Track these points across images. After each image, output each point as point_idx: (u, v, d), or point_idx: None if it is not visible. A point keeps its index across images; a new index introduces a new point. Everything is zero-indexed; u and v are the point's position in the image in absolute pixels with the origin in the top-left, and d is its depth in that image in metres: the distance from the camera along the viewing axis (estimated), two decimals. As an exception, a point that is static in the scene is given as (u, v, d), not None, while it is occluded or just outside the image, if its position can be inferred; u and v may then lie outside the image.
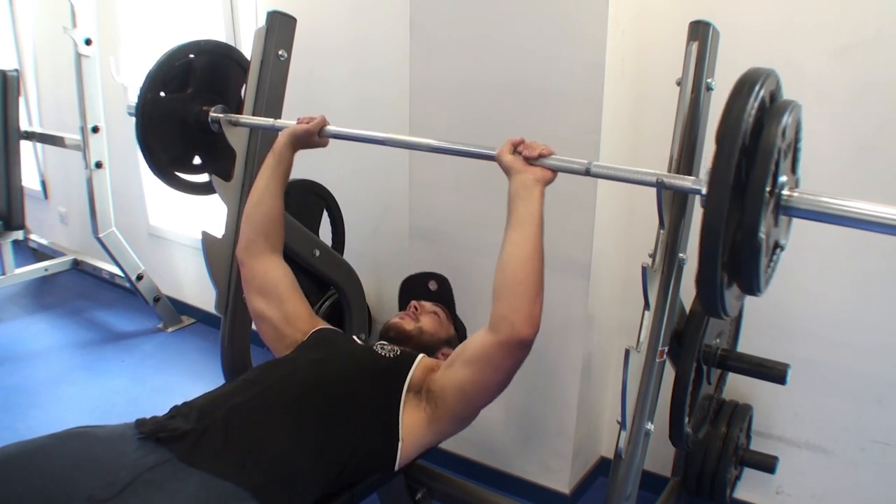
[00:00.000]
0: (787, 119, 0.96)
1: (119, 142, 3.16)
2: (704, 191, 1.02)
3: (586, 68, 1.68)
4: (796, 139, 1.07)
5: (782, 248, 1.11)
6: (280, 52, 1.82)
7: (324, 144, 1.64)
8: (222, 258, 1.88)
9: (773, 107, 0.99)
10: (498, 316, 1.27)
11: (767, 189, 0.92)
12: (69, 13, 2.82)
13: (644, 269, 1.35)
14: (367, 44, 2.40)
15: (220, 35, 2.80)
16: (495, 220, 1.94)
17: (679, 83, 1.39)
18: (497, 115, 1.86)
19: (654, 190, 1.38)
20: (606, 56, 1.65)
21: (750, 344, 1.70)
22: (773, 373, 1.57)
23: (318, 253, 2.03)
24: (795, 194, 1.00)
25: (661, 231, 1.36)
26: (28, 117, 4.08)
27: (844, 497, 1.87)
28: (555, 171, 1.30)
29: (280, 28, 1.82)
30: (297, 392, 1.30)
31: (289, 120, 1.70)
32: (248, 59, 1.92)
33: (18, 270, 3.64)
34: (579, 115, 1.73)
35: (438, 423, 1.35)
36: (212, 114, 1.86)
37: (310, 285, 2.12)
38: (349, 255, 2.21)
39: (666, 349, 1.35)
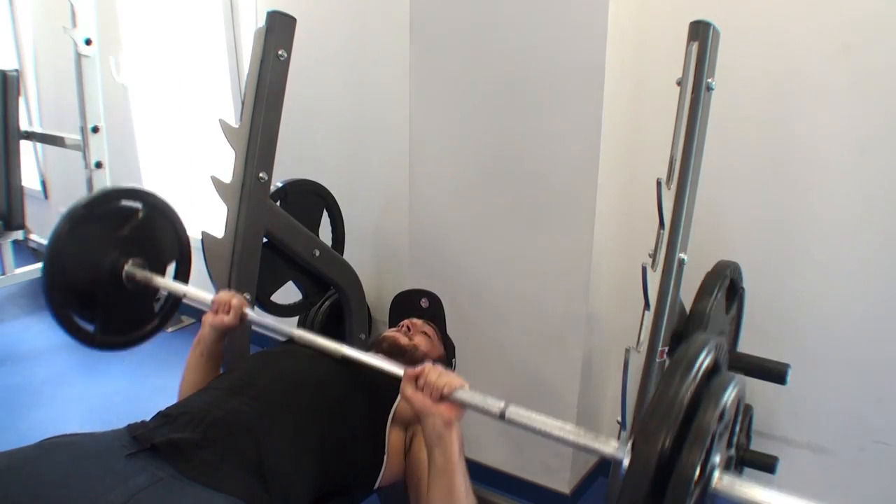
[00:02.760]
0: (725, 403, 0.88)
1: (119, 142, 3.16)
2: (625, 465, 0.93)
3: (586, 68, 1.68)
4: (736, 413, 0.98)
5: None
6: (280, 52, 1.82)
7: (244, 327, 1.57)
8: (222, 258, 1.87)
9: (711, 386, 0.90)
10: None
11: (695, 478, 0.82)
12: (69, 13, 2.82)
13: (644, 269, 1.35)
14: (367, 44, 2.40)
15: (220, 35, 2.80)
16: (495, 220, 1.95)
17: (679, 83, 1.39)
18: (497, 115, 1.86)
19: (654, 190, 1.38)
20: (606, 56, 1.65)
21: (750, 344, 1.70)
22: (773, 373, 1.57)
23: (318, 253, 2.03)
24: (725, 481, 0.89)
25: (661, 231, 1.36)
26: (28, 117, 4.08)
27: (844, 497, 1.87)
28: (464, 407, 1.19)
29: (280, 28, 1.81)
30: (294, 393, 1.30)
31: (207, 295, 1.62)
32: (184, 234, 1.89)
33: (18, 270, 3.63)
34: (579, 115, 1.73)
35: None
36: (127, 267, 1.75)
37: (310, 285, 2.12)
38: (349, 255, 2.21)
39: (666, 349, 1.35)
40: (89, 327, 1.77)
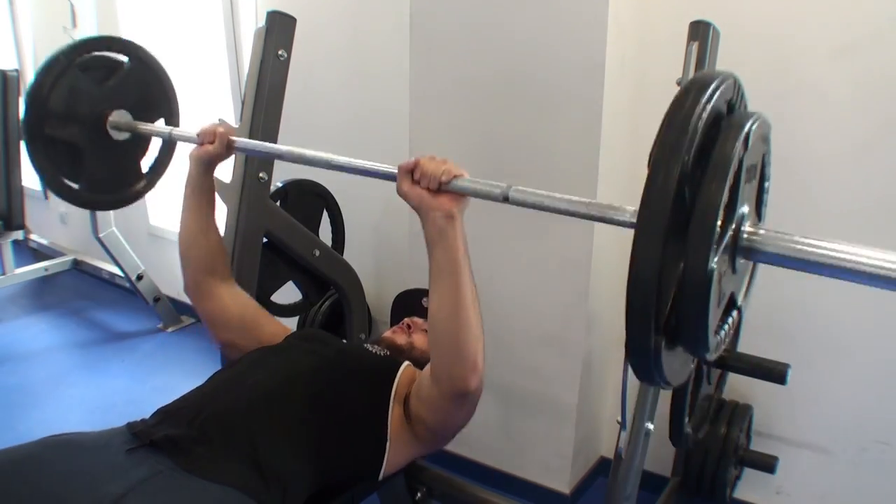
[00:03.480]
0: (750, 128, 0.72)
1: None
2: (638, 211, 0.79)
3: (586, 68, 1.68)
4: (763, 165, 0.83)
5: (740, 311, 0.88)
6: (280, 52, 1.82)
7: (232, 154, 1.50)
8: (222, 258, 1.87)
9: (732, 117, 0.75)
10: (436, 372, 1.20)
11: (719, 221, 0.69)
12: (69, 13, 2.82)
13: (644, 269, 1.35)
14: (367, 44, 2.40)
15: (220, 35, 2.80)
16: (495, 219, 1.94)
17: (679, 83, 1.39)
18: (497, 115, 1.86)
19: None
20: (606, 56, 1.65)
21: (750, 344, 1.69)
22: (773, 373, 1.57)
23: (318, 253, 2.03)
24: (761, 232, 0.78)
25: (661, 231, 1.36)
26: (28, 117, 4.08)
27: (844, 497, 1.87)
28: (466, 195, 1.10)
29: (280, 28, 1.81)
30: (290, 385, 1.30)
31: (192, 130, 1.54)
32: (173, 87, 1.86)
33: (18, 270, 3.63)
34: (579, 114, 1.73)
35: (419, 441, 1.33)
36: (112, 117, 1.69)
37: (310, 285, 2.12)
38: (349, 255, 2.21)
39: (666, 349, 1.35)
40: (75, 186, 1.73)
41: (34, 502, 1.00)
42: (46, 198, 4.23)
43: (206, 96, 3.15)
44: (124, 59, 1.77)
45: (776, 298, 1.81)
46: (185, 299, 1.75)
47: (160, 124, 1.84)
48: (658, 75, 1.73)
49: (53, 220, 4.23)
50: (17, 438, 1.13)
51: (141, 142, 1.78)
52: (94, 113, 1.68)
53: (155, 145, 1.94)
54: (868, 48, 1.59)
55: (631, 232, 0.75)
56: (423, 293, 1.79)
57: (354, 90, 2.49)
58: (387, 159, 2.59)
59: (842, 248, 0.73)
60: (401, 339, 1.62)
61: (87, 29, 2.85)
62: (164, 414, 1.25)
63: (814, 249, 0.75)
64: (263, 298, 2.01)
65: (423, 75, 1.97)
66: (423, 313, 1.74)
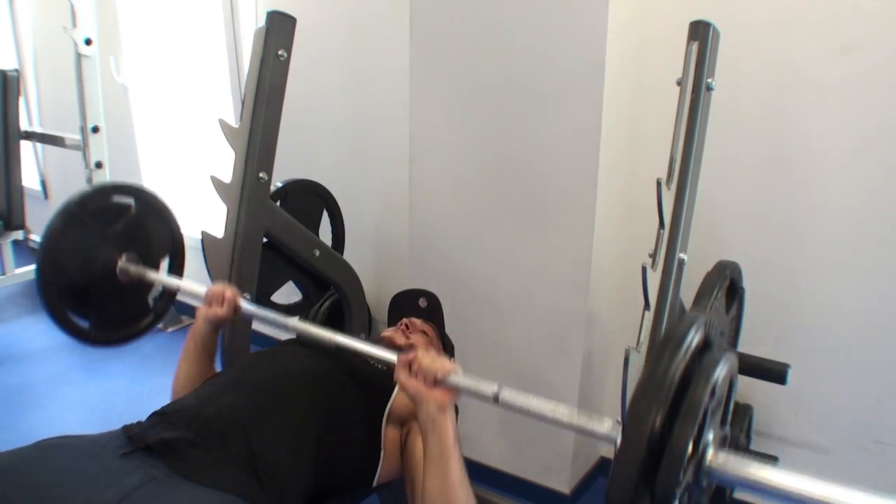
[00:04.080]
0: (717, 378, 0.85)
1: (119, 142, 3.16)
2: (617, 444, 0.91)
3: (586, 68, 1.68)
4: (729, 391, 0.96)
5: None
6: (280, 52, 1.82)
7: (239, 316, 1.55)
8: (222, 258, 1.87)
9: (702, 363, 0.88)
10: None
11: (688, 454, 0.80)
12: (69, 13, 2.82)
13: (644, 269, 1.35)
14: (367, 43, 2.40)
15: (220, 35, 2.80)
16: (494, 219, 1.95)
17: (679, 83, 1.39)
18: (497, 115, 1.86)
19: (654, 189, 1.38)
20: (606, 55, 1.65)
21: (750, 344, 1.70)
22: (773, 373, 1.57)
23: (318, 253, 2.03)
24: (720, 459, 0.86)
25: (661, 231, 1.36)
26: (28, 117, 4.08)
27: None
28: (458, 391, 1.18)
29: (280, 28, 1.81)
30: (286, 389, 1.30)
31: (201, 288, 1.59)
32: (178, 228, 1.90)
33: (18, 270, 3.63)
34: (579, 115, 1.73)
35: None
36: (121, 262, 1.74)
37: (310, 285, 2.12)
38: (349, 255, 2.21)
39: (666, 349, 1.35)
40: (84, 324, 1.77)
41: None
42: (46, 198, 4.24)
43: (206, 96, 3.16)
44: (130, 202, 1.81)
45: (776, 298, 1.81)
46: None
47: (165, 272, 1.87)
48: (658, 75, 1.73)
49: (53, 220, 4.23)
50: (18, 438, 1.13)
51: (148, 281, 1.81)
52: (105, 259, 1.74)
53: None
54: (868, 48, 1.59)
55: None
56: (420, 293, 1.79)
57: (354, 90, 2.49)
58: (386, 159, 2.61)
59: (790, 480, 0.83)
60: (400, 339, 1.62)
61: (88, 29, 2.85)
62: (159, 417, 1.24)
63: (765, 478, 0.85)
64: (263, 298, 2.01)
65: (423, 75, 1.97)
66: (419, 313, 1.74)
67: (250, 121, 1.84)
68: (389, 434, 1.34)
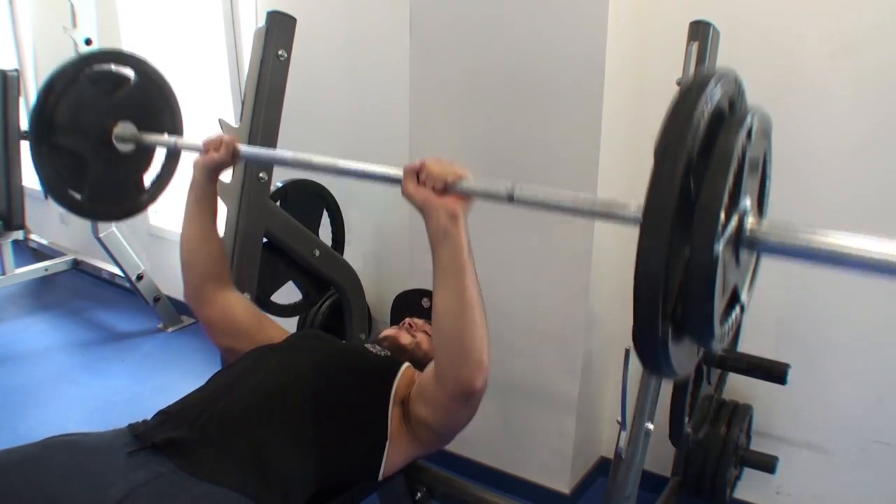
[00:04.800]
0: (751, 122, 0.75)
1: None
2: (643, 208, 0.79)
3: (586, 67, 1.68)
4: (764, 160, 0.85)
5: (743, 307, 0.89)
6: (280, 52, 1.82)
7: (238, 162, 1.50)
8: (222, 258, 1.88)
9: (734, 113, 0.79)
10: (442, 372, 1.20)
11: (723, 211, 0.71)
12: (69, 13, 2.82)
13: (644, 269, 1.35)
14: (367, 43, 2.40)
15: (220, 35, 2.80)
16: (495, 218, 1.94)
17: (679, 83, 1.39)
18: (497, 115, 1.86)
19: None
20: (606, 55, 1.65)
21: (750, 344, 1.70)
22: (773, 373, 1.57)
23: (318, 253, 2.03)
24: (764, 223, 0.78)
25: (661, 231, 1.36)
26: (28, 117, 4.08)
27: (844, 497, 1.87)
28: (471, 196, 1.11)
29: (280, 28, 1.81)
30: (291, 385, 1.29)
31: (196, 139, 1.55)
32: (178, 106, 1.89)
33: (18, 270, 3.64)
34: (579, 114, 1.73)
35: (419, 442, 1.33)
36: (117, 129, 1.71)
37: (310, 285, 2.12)
38: (349, 255, 2.21)
39: (666, 349, 1.35)
40: (78, 196, 1.75)
41: (34, 501, 1.00)
42: (46, 198, 4.23)
43: (207, 96, 3.15)
44: (131, 73, 1.79)
45: (776, 298, 1.81)
46: (182, 297, 1.75)
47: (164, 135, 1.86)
48: (658, 74, 1.73)
49: (53, 220, 4.23)
50: (18, 438, 1.13)
51: (145, 155, 1.79)
52: (100, 124, 1.70)
53: (158, 160, 1.95)
54: (868, 47, 1.59)
55: (633, 230, 0.76)
56: (423, 293, 1.78)
57: (354, 90, 2.49)
58: (387, 159, 2.58)
59: (843, 239, 0.74)
60: (405, 338, 1.61)
61: (88, 29, 2.85)
62: (165, 415, 1.24)
63: (815, 239, 0.76)
64: (263, 298, 2.01)
65: (423, 75, 1.97)
66: (422, 314, 1.74)
67: (250, 121, 1.84)
68: (395, 415, 1.32)
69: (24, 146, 3.43)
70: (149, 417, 1.25)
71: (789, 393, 1.74)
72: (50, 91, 1.64)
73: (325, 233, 2.21)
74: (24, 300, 3.73)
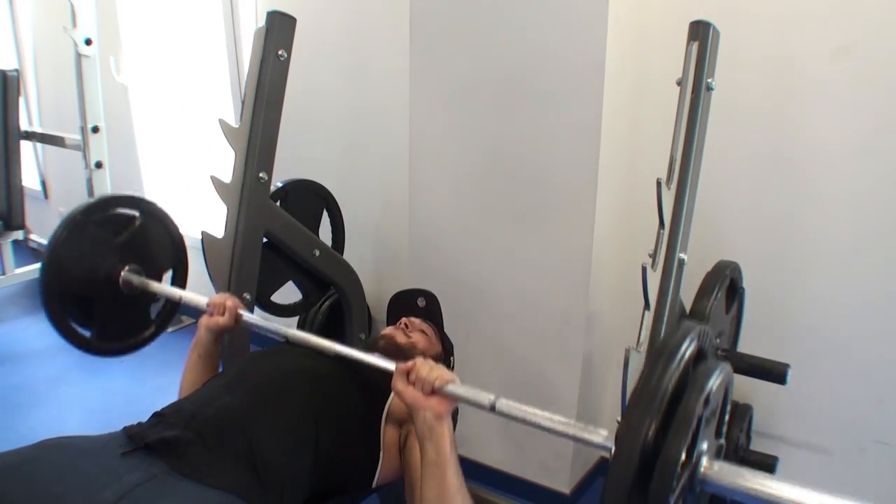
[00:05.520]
0: (711, 388, 0.85)
1: (119, 142, 3.16)
2: (612, 453, 0.90)
3: (586, 68, 1.68)
4: (724, 402, 0.96)
5: None
6: (280, 52, 1.82)
7: (240, 327, 1.58)
8: (222, 258, 1.87)
9: (696, 373, 0.88)
10: None
11: (681, 463, 0.80)
12: (69, 13, 2.82)
13: (644, 269, 1.35)
14: (367, 43, 2.40)
15: (220, 35, 2.80)
16: (495, 219, 1.95)
17: (679, 83, 1.39)
18: (497, 115, 1.86)
19: (654, 189, 1.38)
20: (606, 55, 1.65)
21: (750, 344, 1.70)
22: (773, 373, 1.57)
23: (318, 253, 2.03)
24: (714, 468, 0.87)
25: (661, 231, 1.36)
26: (28, 117, 4.08)
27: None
28: (455, 401, 1.19)
29: (280, 28, 1.81)
30: (286, 388, 1.30)
31: (202, 299, 1.62)
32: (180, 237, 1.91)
33: (18, 270, 3.63)
34: (579, 114, 1.73)
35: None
36: (124, 273, 1.75)
37: (310, 285, 2.12)
38: (349, 255, 2.21)
39: (666, 349, 1.35)
40: (86, 333, 1.79)
41: (29, 503, 1.00)
42: (46, 198, 4.24)
43: (206, 96, 3.16)
44: (135, 214, 1.83)
45: (776, 298, 1.81)
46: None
47: (168, 283, 1.89)
48: (658, 75, 1.73)
49: (53, 220, 4.20)
50: (17, 438, 1.14)
51: (151, 293, 1.82)
52: (108, 270, 1.76)
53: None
54: (868, 48, 1.59)
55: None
56: (419, 293, 1.79)
57: (354, 90, 2.49)
58: (386, 159, 2.61)
59: (786, 491, 0.84)
60: (401, 338, 1.62)
61: (88, 29, 2.85)
62: (160, 417, 1.25)
63: (758, 486, 0.85)
64: (263, 298, 2.01)
65: (423, 75, 1.97)
66: (418, 313, 1.74)
67: (250, 121, 1.84)
68: (388, 433, 1.35)
69: (24, 146, 3.44)
70: (145, 420, 1.25)
71: (789, 393, 1.74)
72: (60, 237, 1.71)
73: (325, 233, 2.21)
74: (24, 300, 3.72)
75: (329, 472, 1.27)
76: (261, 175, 1.85)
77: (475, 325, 2.05)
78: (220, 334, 1.56)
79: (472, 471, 2.19)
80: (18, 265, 3.64)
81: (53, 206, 4.22)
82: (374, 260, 2.59)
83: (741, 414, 1.82)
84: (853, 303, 1.74)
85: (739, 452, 1.80)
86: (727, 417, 0.99)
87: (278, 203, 2.00)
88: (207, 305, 1.56)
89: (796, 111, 1.71)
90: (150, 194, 3.37)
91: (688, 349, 0.88)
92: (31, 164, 4.08)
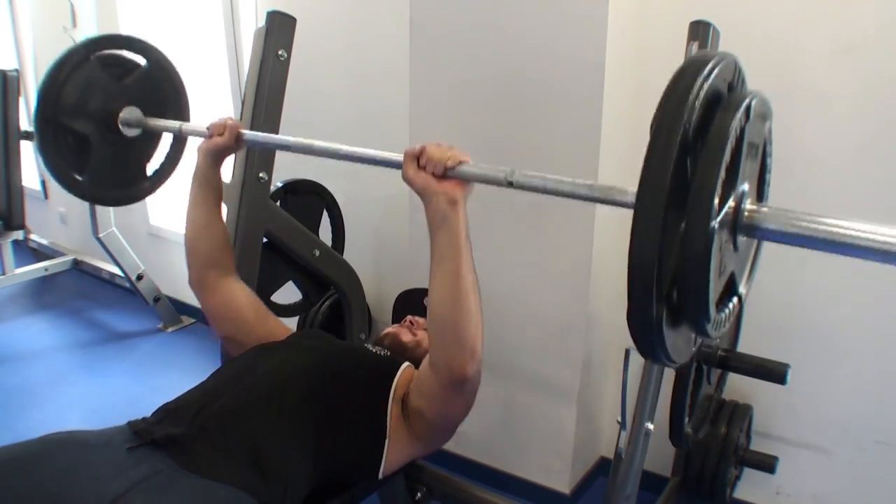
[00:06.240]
0: (749, 103, 0.73)
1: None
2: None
3: (586, 68, 1.68)
4: (764, 145, 0.83)
5: (741, 299, 0.86)
6: (280, 52, 1.82)
7: (241, 147, 1.52)
8: (222, 258, 1.87)
9: (732, 95, 0.77)
10: (435, 360, 1.20)
11: (718, 189, 0.69)
12: (69, 13, 2.82)
13: (644, 269, 1.34)
14: (367, 43, 2.40)
15: (220, 35, 2.80)
16: (495, 220, 1.94)
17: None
18: (497, 115, 1.86)
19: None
20: (606, 56, 1.65)
21: (750, 344, 1.70)
22: (773, 373, 1.57)
23: (318, 253, 2.03)
24: (763, 209, 0.76)
25: (661, 231, 1.36)
26: (28, 117, 4.08)
27: (844, 497, 1.87)
28: (470, 181, 1.12)
29: (280, 28, 1.81)
30: (290, 382, 1.30)
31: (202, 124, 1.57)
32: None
33: (18, 270, 3.63)
34: (579, 115, 1.73)
35: (418, 439, 1.33)
36: (123, 113, 1.71)
37: (310, 285, 2.12)
38: (349, 255, 2.21)
39: (666, 349, 1.35)
40: (80, 178, 1.76)
41: (35, 500, 1.00)
42: (46, 198, 4.24)
43: (207, 96, 3.15)
44: (142, 60, 1.80)
45: (776, 298, 1.81)
46: (186, 299, 1.76)
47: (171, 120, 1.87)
48: (658, 75, 1.73)
49: (53, 220, 4.23)
50: (17, 438, 1.13)
51: (149, 142, 1.80)
52: (107, 107, 1.72)
53: (162, 150, 1.96)
54: (868, 48, 1.59)
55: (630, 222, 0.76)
56: (425, 292, 1.78)
57: (354, 90, 2.49)
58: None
59: (843, 224, 0.71)
60: (406, 336, 1.61)
61: (88, 29, 2.85)
62: (165, 412, 1.25)
63: (815, 225, 0.73)
64: (263, 298, 2.01)
65: (423, 75, 1.97)
66: (424, 312, 1.74)
67: (250, 121, 1.84)
68: (394, 413, 1.32)
69: (25, 146, 3.44)
70: (141, 418, 1.25)
71: (789, 393, 1.74)
72: (59, 69, 1.66)
73: (325, 233, 2.21)
74: (24, 300, 3.72)
75: (332, 466, 1.27)
76: (261, 175, 1.85)
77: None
78: (219, 157, 1.48)
79: (472, 471, 2.19)
80: (18, 265, 3.65)
81: (53, 206, 4.22)
82: (374, 260, 2.59)
83: (741, 414, 1.82)
84: (853, 303, 1.74)
85: (739, 452, 1.80)
86: (768, 169, 0.84)
87: (278, 203, 2.00)
88: (207, 129, 1.47)
89: (796, 113, 1.70)
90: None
91: (717, 67, 0.73)
92: (31, 164, 4.08)
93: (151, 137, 1.85)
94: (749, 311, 1.72)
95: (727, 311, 0.81)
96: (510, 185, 1.04)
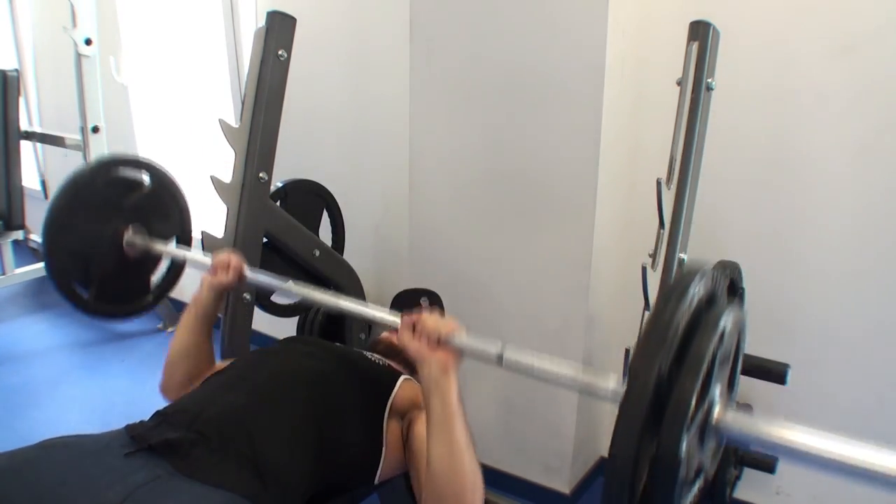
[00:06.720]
0: (724, 326, 0.82)
1: (119, 142, 3.16)
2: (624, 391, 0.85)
3: (586, 68, 1.68)
4: (736, 349, 0.93)
5: (707, 478, 0.93)
6: (280, 52, 1.82)
7: (243, 285, 1.56)
8: (222, 258, 1.87)
9: (709, 314, 0.85)
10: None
11: (691, 409, 0.76)
12: (69, 13, 2.82)
13: (644, 269, 1.35)
14: (367, 44, 2.40)
15: (220, 35, 2.80)
16: (495, 220, 1.95)
17: (679, 83, 1.39)
18: (497, 116, 1.86)
19: (654, 190, 1.38)
20: (606, 56, 1.65)
21: (750, 344, 1.69)
22: (773, 373, 1.57)
23: (318, 253, 2.03)
24: (729, 415, 0.83)
25: (661, 231, 1.36)
26: (28, 117, 4.08)
27: (844, 497, 1.87)
28: (462, 353, 1.16)
29: (280, 28, 1.81)
30: (288, 387, 1.30)
31: (206, 258, 1.60)
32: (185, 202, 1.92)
33: (18, 270, 3.63)
34: (579, 115, 1.73)
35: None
36: (128, 234, 1.75)
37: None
38: (349, 256, 2.21)
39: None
40: (85, 294, 1.77)
41: None
42: (46, 198, 4.23)
43: (207, 96, 3.16)
44: (145, 178, 1.83)
45: (776, 298, 1.81)
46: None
47: (173, 245, 1.88)
48: (658, 75, 1.73)
49: (53, 220, 4.23)
50: (18, 438, 1.13)
51: (153, 259, 1.83)
52: (112, 229, 1.75)
53: (165, 262, 1.97)
54: (868, 48, 1.59)
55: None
56: (422, 293, 1.79)
57: (354, 90, 2.49)
58: (386, 160, 2.60)
59: (804, 437, 0.79)
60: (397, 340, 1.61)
61: (88, 29, 2.85)
62: (162, 417, 1.24)
63: (774, 433, 0.80)
64: (263, 299, 2.01)
65: (424, 76, 1.97)
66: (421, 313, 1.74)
67: (250, 121, 1.84)
68: (392, 428, 1.33)
69: (24, 146, 3.44)
70: (146, 419, 1.25)
71: (789, 393, 1.74)
72: (67, 193, 1.70)
73: (325, 233, 2.21)
74: (24, 300, 3.72)
75: (331, 471, 1.27)
76: (261, 175, 1.85)
77: (475, 325, 2.04)
78: (222, 294, 1.54)
79: (472, 471, 2.19)
80: (18, 265, 3.64)
81: (53, 206, 4.22)
82: (374, 260, 2.59)
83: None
84: (853, 303, 1.74)
85: (739, 452, 1.80)
86: (738, 369, 0.95)
87: (278, 203, 2.00)
88: (212, 264, 1.53)
89: (796, 113, 1.71)
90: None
91: (698, 289, 0.82)
92: (31, 164, 4.08)
93: (156, 255, 1.87)
94: (749, 311, 1.72)
95: (692, 494, 0.87)
96: (500, 362, 1.09)
